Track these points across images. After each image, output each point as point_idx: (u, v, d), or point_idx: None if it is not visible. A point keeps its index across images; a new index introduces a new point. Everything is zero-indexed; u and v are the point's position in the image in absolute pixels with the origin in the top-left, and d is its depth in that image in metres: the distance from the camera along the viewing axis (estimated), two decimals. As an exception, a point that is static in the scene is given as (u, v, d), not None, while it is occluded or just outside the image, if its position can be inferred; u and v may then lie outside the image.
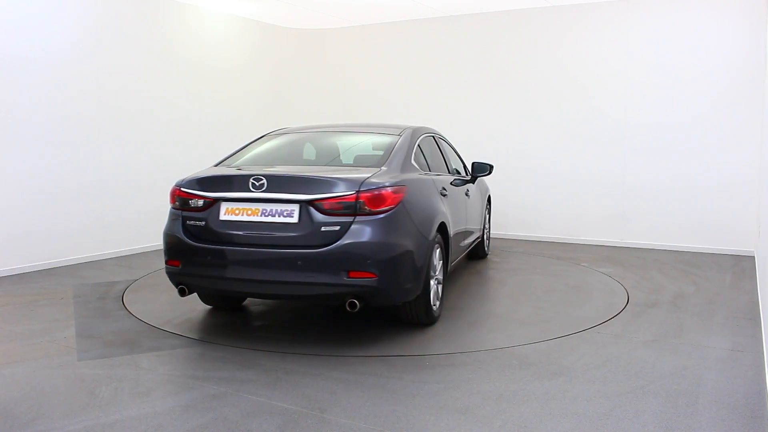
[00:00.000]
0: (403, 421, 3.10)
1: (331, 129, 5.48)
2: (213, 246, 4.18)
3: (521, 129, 8.64)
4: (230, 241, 4.16)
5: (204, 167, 5.19)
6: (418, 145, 5.09)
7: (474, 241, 6.51)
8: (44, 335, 4.45)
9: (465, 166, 6.57)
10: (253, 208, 4.14)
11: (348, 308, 4.03)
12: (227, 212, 4.19)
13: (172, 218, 4.43)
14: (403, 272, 4.16)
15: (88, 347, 4.21)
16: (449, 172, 5.80)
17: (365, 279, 3.96)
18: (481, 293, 5.76)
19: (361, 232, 3.97)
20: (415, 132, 5.21)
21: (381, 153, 4.73)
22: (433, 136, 5.76)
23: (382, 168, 4.42)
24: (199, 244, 4.22)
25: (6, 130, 6.24)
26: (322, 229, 3.99)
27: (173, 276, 4.42)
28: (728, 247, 7.54)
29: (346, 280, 3.96)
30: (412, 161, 4.78)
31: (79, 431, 3.00)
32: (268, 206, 4.11)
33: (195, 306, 5.26)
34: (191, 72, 8.20)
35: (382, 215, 4.04)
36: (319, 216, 4.01)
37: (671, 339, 4.38)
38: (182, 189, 4.40)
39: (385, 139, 4.96)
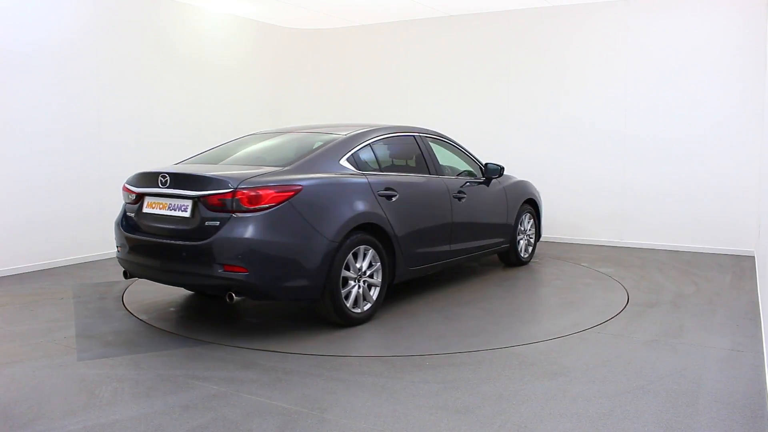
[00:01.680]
0: (403, 421, 3.10)
1: (294, 131, 5.53)
2: (135, 235, 4.68)
3: (521, 129, 8.64)
4: (147, 231, 4.63)
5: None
6: (369, 146, 5.14)
7: (487, 246, 6.21)
8: (44, 335, 4.46)
9: (482, 168, 6.32)
10: (164, 203, 4.55)
11: (227, 300, 4.28)
12: (148, 206, 4.66)
13: (121, 210, 4.99)
14: (282, 270, 4.26)
15: (88, 347, 4.21)
16: (433, 173, 5.62)
17: (237, 273, 4.16)
18: (479, 293, 5.75)
19: (235, 228, 4.15)
20: (369, 132, 5.24)
21: (302, 153, 4.81)
22: (414, 136, 5.69)
23: (286, 167, 4.54)
24: (128, 233, 4.73)
25: (5, 130, 6.25)
26: (206, 223, 4.25)
27: (118, 260, 4.98)
28: (728, 247, 7.54)
29: (220, 272, 4.18)
30: (342, 161, 4.83)
31: (79, 431, 3.00)
32: (173, 201, 4.49)
33: (195, 306, 5.27)
34: (191, 72, 8.20)
35: (259, 213, 4.17)
36: (205, 211, 4.28)
37: (671, 339, 4.38)
38: (125, 184, 4.91)
39: (321, 140, 5.04)
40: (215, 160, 5.12)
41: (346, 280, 4.55)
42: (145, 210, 4.66)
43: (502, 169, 6.34)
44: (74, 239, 6.88)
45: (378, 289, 4.83)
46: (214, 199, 4.23)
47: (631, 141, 7.99)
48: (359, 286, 4.66)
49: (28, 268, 6.46)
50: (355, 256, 4.63)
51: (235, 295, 4.24)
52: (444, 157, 6.12)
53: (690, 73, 7.62)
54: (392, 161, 5.56)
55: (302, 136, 5.35)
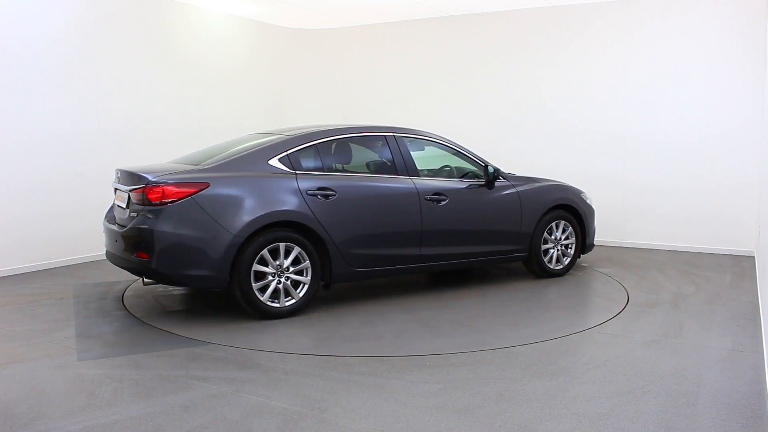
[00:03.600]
0: (403, 421, 3.10)
1: (271, 133, 5.52)
2: (108, 224, 5.22)
3: (521, 129, 8.63)
4: (111, 221, 5.20)
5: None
6: (314, 146, 5.21)
7: (489, 252, 5.86)
8: (44, 335, 4.46)
9: (489, 169, 5.93)
10: (120, 195, 5.08)
11: (142, 282, 4.89)
12: (116, 198, 5.23)
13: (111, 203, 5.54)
14: (182, 260, 4.62)
15: (88, 347, 4.21)
16: (404, 175, 5.43)
17: (143, 259, 4.64)
18: (479, 292, 5.74)
19: (143, 220, 4.64)
20: (318, 134, 5.29)
21: (234, 153, 5.07)
22: (385, 137, 5.55)
23: (206, 165, 4.89)
24: (106, 222, 5.30)
25: (5, 130, 6.24)
26: (131, 214, 4.78)
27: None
28: (728, 247, 7.53)
29: (134, 257, 4.72)
30: (273, 161, 4.98)
31: (79, 431, 3.00)
32: (122, 194, 5.03)
33: (195, 306, 5.27)
34: (190, 71, 8.19)
35: (162, 206, 4.59)
36: (133, 204, 4.78)
37: (671, 339, 4.38)
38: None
39: (263, 141, 5.25)
40: (186, 160, 5.29)
41: (264, 274, 4.73)
42: (114, 202, 5.28)
43: (496, 170, 5.94)
44: (74, 239, 6.87)
45: (306, 286, 4.91)
46: (134, 193, 4.74)
47: (631, 141, 7.98)
48: (280, 282, 4.79)
49: (28, 268, 6.46)
50: (276, 252, 4.77)
51: (147, 278, 4.78)
52: (445, 159, 6.06)
53: (690, 73, 7.61)
54: (347, 161, 5.53)
55: (264, 138, 5.39)
